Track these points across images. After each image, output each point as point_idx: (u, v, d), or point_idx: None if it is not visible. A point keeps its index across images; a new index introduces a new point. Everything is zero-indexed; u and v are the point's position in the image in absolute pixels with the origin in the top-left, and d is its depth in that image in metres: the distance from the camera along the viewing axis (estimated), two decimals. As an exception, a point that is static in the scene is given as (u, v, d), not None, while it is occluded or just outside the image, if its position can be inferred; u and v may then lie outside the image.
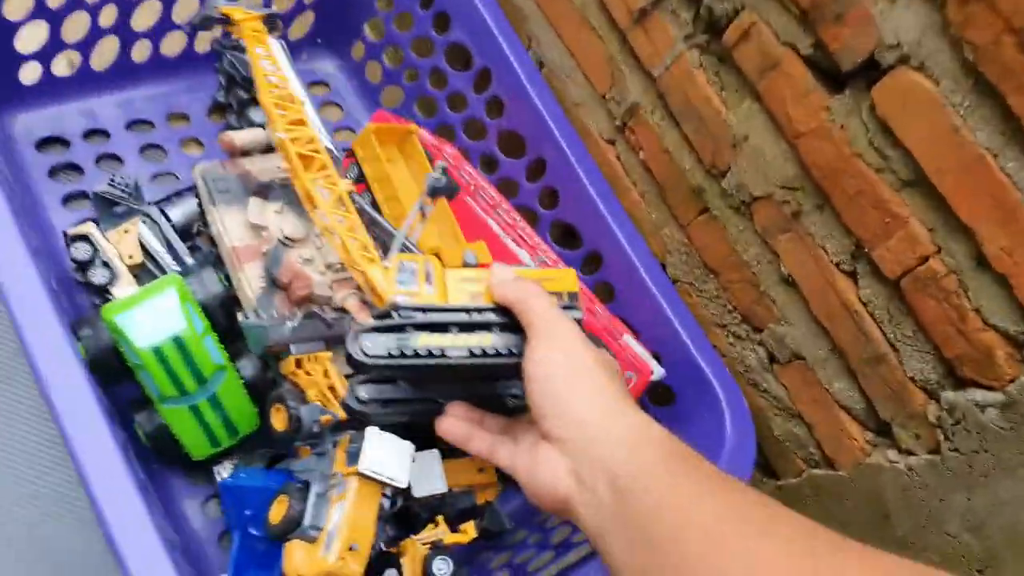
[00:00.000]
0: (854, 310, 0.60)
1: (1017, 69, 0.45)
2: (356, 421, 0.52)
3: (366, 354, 0.45)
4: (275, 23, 0.69)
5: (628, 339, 0.69)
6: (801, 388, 0.67)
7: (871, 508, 0.65)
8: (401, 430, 0.53)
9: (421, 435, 0.53)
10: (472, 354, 0.47)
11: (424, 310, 0.47)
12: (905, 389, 0.59)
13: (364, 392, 0.50)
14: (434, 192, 0.60)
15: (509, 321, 0.49)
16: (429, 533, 0.62)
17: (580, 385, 0.43)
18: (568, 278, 0.53)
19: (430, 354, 0.46)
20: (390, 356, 0.45)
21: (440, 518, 0.63)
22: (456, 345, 0.46)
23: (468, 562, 0.66)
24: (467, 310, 0.48)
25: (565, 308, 0.51)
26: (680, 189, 0.70)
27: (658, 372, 0.69)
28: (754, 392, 0.71)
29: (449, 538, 0.61)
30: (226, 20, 0.67)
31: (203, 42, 0.84)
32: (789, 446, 0.70)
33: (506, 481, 0.63)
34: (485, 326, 0.48)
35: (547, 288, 0.53)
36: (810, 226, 0.60)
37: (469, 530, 0.62)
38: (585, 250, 0.75)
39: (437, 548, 0.61)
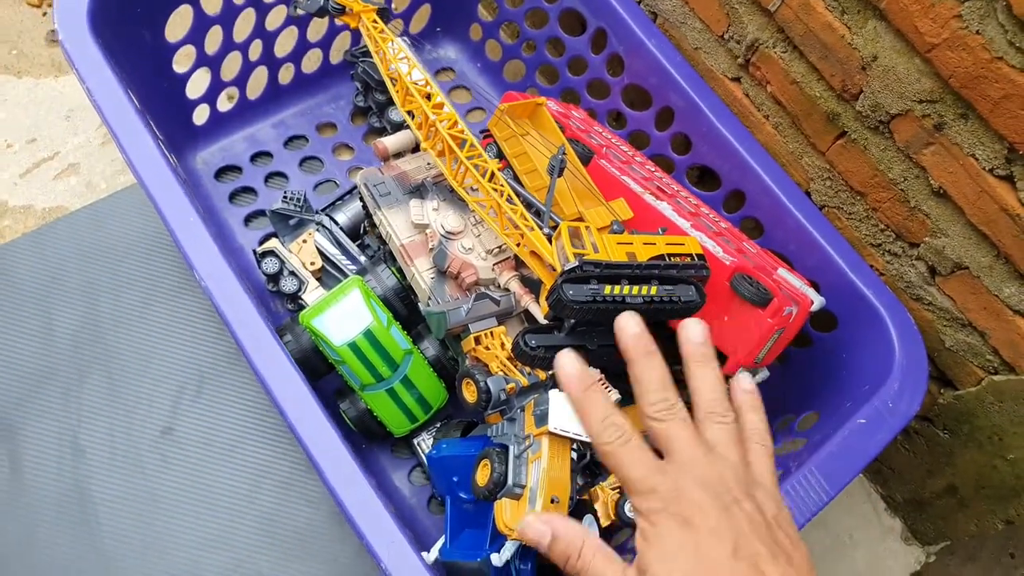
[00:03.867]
0: (1016, 214, 0.58)
1: None
2: (535, 381, 0.59)
3: (571, 298, 0.53)
4: (387, 15, 0.73)
5: (783, 272, 0.70)
6: (968, 297, 0.66)
7: (1059, 408, 0.64)
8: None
9: None
10: (645, 301, 0.55)
11: (600, 265, 0.55)
12: (1081, 286, 0.57)
13: (533, 341, 0.56)
14: (559, 171, 0.63)
15: (665, 274, 0.56)
16: (616, 480, 0.67)
17: None
18: (691, 243, 0.60)
19: (614, 300, 0.54)
20: (586, 301, 0.53)
21: (603, 486, 0.68)
22: (632, 294, 0.54)
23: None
24: (630, 266, 0.56)
25: (692, 268, 0.56)
26: (814, 117, 0.70)
27: (818, 301, 0.69)
28: (919, 307, 0.71)
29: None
30: (341, 10, 0.72)
31: (337, 54, 0.90)
32: (964, 355, 0.70)
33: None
34: (648, 279, 0.55)
35: (674, 251, 0.59)
36: (956, 136, 0.59)
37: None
38: (726, 189, 0.77)
39: (625, 493, 0.66)
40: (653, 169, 0.76)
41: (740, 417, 0.40)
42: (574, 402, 0.39)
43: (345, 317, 0.67)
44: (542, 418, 0.57)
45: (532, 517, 0.39)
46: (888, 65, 0.61)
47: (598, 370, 0.63)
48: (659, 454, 0.38)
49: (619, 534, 0.70)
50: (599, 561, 0.36)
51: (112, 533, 0.69)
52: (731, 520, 0.35)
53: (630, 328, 0.40)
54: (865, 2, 0.61)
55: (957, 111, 0.59)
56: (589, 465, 0.67)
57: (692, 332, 0.41)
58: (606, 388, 0.62)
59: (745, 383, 0.41)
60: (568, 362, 0.40)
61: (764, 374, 0.68)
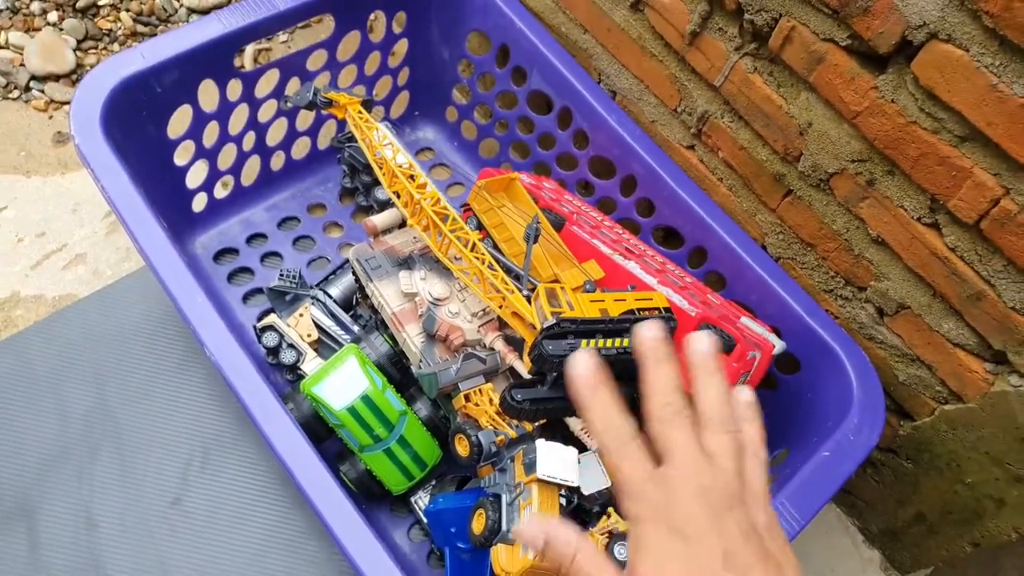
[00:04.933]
0: (944, 256, 0.65)
1: (1037, 24, 0.50)
2: (523, 433, 0.64)
3: (551, 353, 0.57)
4: (370, 104, 0.81)
5: (746, 320, 0.76)
6: (914, 334, 0.73)
7: (1007, 433, 0.69)
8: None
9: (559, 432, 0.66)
10: (618, 352, 0.59)
11: (576, 321, 0.60)
12: (1009, 318, 0.63)
13: (519, 395, 0.61)
14: (534, 238, 0.70)
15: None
16: (604, 524, 0.71)
17: None
18: (658, 298, 0.65)
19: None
20: (564, 355, 0.57)
21: (611, 510, 0.72)
22: (607, 346, 0.58)
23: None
24: (603, 321, 0.61)
25: (663, 319, 0.62)
26: (762, 178, 0.77)
27: (779, 345, 0.75)
28: (872, 345, 0.77)
29: (622, 526, 0.70)
30: (328, 103, 0.79)
31: (324, 140, 0.97)
32: (916, 388, 0.75)
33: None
34: (620, 332, 0.59)
35: (643, 306, 0.64)
36: (886, 190, 0.66)
37: (620, 523, 0.71)
38: (689, 247, 0.83)
39: (614, 536, 0.70)
40: (621, 232, 0.83)
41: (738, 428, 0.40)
42: (581, 401, 0.39)
43: (343, 383, 0.72)
44: (531, 466, 0.62)
45: (529, 520, 0.39)
46: (822, 130, 0.68)
47: (581, 419, 0.68)
48: (658, 463, 0.37)
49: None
50: (591, 568, 0.36)
51: (126, 603, 0.72)
52: (723, 529, 0.35)
53: (649, 334, 0.39)
54: (797, 76, 0.68)
55: (884, 168, 0.66)
56: (577, 512, 0.71)
57: (700, 343, 0.40)
58: (588, 436, 0.67)
59: (744, 395, 0.41)
60: (581, 362, 0.39)
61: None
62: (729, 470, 0.37)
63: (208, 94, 0.81)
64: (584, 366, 0.39)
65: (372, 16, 0.91)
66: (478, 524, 0.63)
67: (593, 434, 0.38)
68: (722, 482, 0.36)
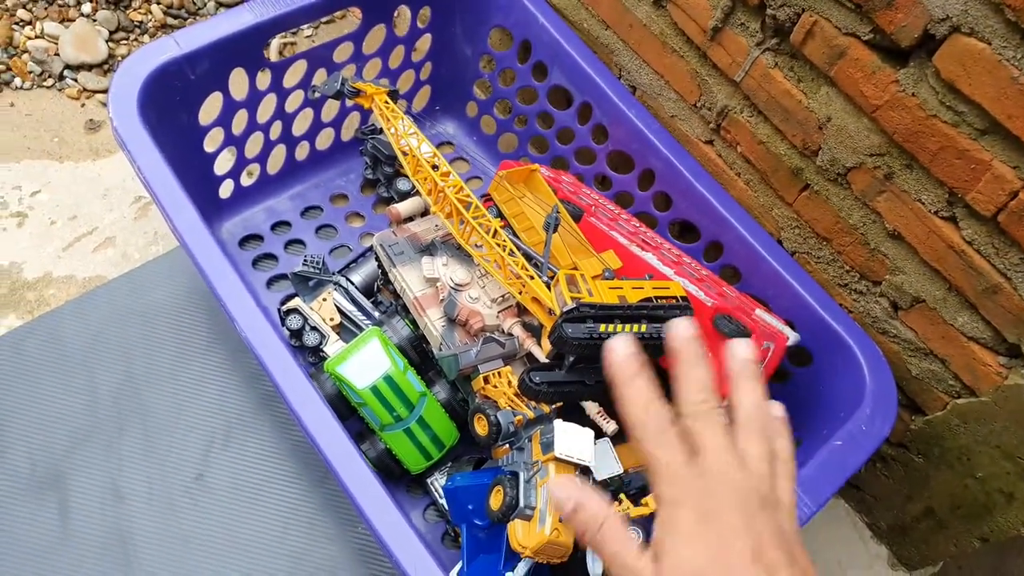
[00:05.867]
0: (961, 250, 0.66)
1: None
2: (540, 414, 0.65)
3: (570, 336, 0.59)
4: (396, 96, 0.83)
5: (760, 313, 0.77)
6: (928, 328, 0.74)
7: (1019, 426, 0.70)
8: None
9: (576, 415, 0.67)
10: (636, 338, 0.60)
11: (595, 307, 0.62)
12: None
13: (537, 377, 0.63)
14: (554, 227, 0.71)
15: (653, 314, 0.63)
16: (616, 509, 0.73)
17: None
18: (675, 287, 0.67)
19: (608, 336, 0.60)
20: (583, 338, 0.60)
21: (623, 496, 0.74)
22: (624, 331, 0.61)
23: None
24: (621, 307, 0.63)
25: (677, 308, 0.63)
26: (780, 172, 0.78)
27: (793, 337, 0.76)
28: (885, 339, 0.78)
29: (634, 512, 0.71)
30: (356, 93, 0.81)
31: (347, 132, 0.99)
32: (929, 382, 0.76)
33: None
34: (638, 318, 0.62)
35: (660, 294, 0.65)
36: (903, 184, 0.68)
37: (650, 503, 0.72)
38: (705, 240, 0.85)
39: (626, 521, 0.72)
40: (638, 225, 0.84)
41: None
42: (619, 386, 0.38)
43: (366, 364, 0.73)
44: (548, 445, 0.64)
45: (563, 479, 0.40)
46: (841, 125, 0.70)
47: (597, 403, 0.69)
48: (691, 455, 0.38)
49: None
50: (616, 540, 0.37)
51: (150, 572, 0.74)
52: (753, 527, 0.35)
53: (684, 331, 0.39)
54: (817, 71, 0.70)
55: (903, 162, 0.67)
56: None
57: (741, 350, 0.40)
58: (605, 420, 0.69)
59: (777, 410, 0.41)
60: (621, 346, 0.39)
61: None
62: (763, 473, 0.37)
63: (238, 83, 0.83)
64: (624, 351, 0.39)
65: (396, 12, 0.93)
66: (496, 501, 0.64)
67: (629, 419, 0.38)
68: (755, 482, 0.36)
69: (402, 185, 0.94)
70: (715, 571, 0.34)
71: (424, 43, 0.99)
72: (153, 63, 0.75)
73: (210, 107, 0.83)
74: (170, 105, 0.78)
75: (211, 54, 0.79)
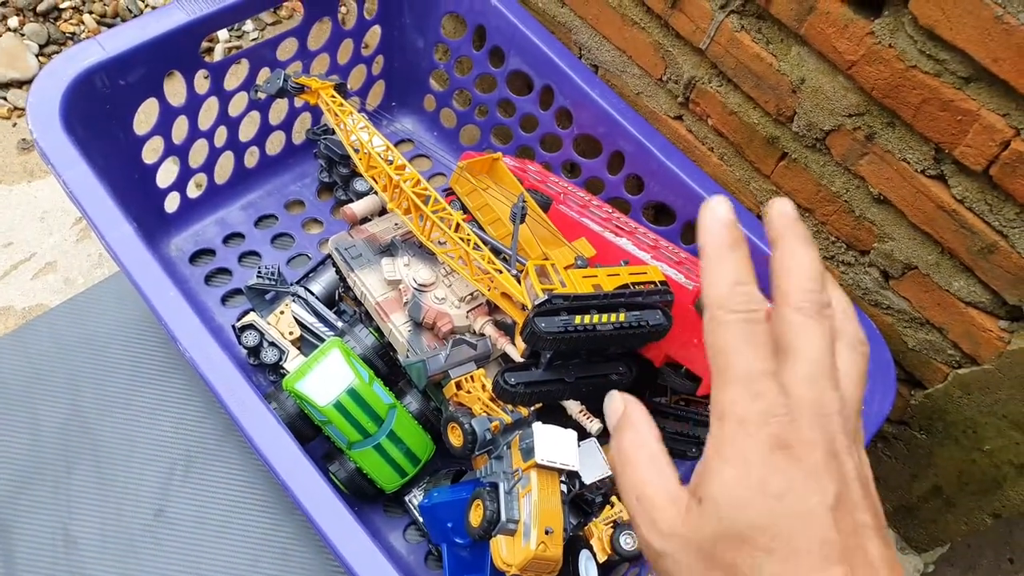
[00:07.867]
0: (952, 210, 0.62)
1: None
2: (518, 418, 0.61)
3: (544, 330, 0.55)
4: (344, 89, 0.78)
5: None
6: (922, 296, 0.69)
7: (1024, 393, 0.66)
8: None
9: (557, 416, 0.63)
10: (615, 328, 0.57)
11: (569, 298, 0.57)
12: None
13: (512, 378, 0.58)
14: (521, 217, 0.67)
15: (631, 301, 0.59)
16: (608, 514, 0.68)
17: None
18: (653, 271, 0.64)
19: (585, 329, 0.57)
20: (558, 332, 0.56)
21: (614, 498, 0.69)
22: (602, 322, 0.57)
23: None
24: (597, 297, 0.58)
25: (656, 294, 0.59)
26: (755, 143, 0.74)
27: (780, 316, 0.72)
28: (878, 311, 0.74)
29: (627, 516, 0.67)
30: (300, 89, 0.76)
31: (299, 134, 0.94)
32: (927, 354, 0.72)
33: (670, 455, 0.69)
34: (615, 307, 0.58)
35: (638, 280, 0.61)
36: (886, 144, 0.63)
37: None
38: (681, 222, 0.80)
39: (619, 526, 0.67)
40: (611, 210, 0.80)
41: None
42: (708, 255, 0.30)
43: (327, 378, 0.68)
44: (528, 451, 0.59)
45: (618, 395, 0.32)
46: (815, 86, 0.65)
47: (578, 402, 0.64)
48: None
49: (616, 570, 0.70)
50: (648, 466, 0.30)
51: (109, 623, 0.68)
52: (840, 469, 0.27)
53: (786, 208, 0.31)
54: (787, 30, 0.65)
55: (884, 120, 0.63)
56: (577, 501, 0.68)
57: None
58: (588, 419, 0.64)
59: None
60: (722, 209, 0.30)
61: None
62: (855, 400, 0.29)
63: (175, 87, 0.78)
64: (725, 215, 0.30)
65: (344, 9, 0.88)
66: (476, 516, 0.59)
67: (709, 297, 0.29)
68: (847, 414, 0.28)
69: (359, 186, 0.89)
70: (785, 526, 0.26)
71: (373, 36, 0.94)
72: (75, 69, 0.69)
73: (146, 115, 0.77)
74: (99, 114, 0.73)
75: (141, 57, 0.74)
